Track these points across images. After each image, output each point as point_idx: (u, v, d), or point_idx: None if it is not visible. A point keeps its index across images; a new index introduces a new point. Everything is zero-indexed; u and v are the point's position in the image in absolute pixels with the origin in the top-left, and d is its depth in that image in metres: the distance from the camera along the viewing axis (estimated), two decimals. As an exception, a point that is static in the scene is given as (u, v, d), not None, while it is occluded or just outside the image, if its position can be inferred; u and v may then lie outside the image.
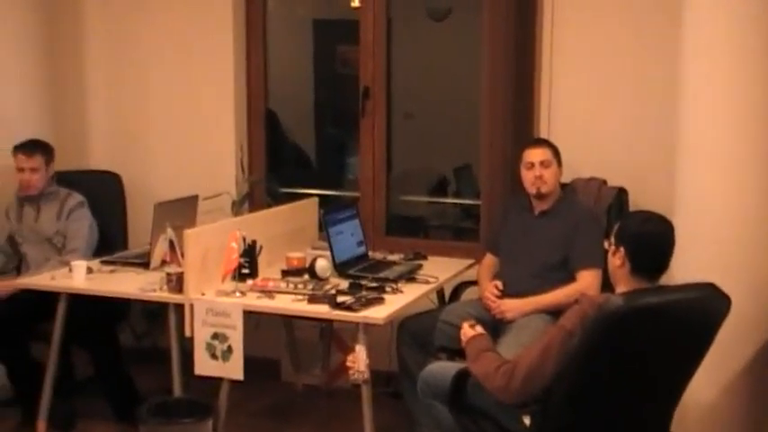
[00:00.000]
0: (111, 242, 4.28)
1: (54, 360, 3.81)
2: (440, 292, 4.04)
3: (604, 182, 3.96)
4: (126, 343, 4.58)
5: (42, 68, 4.59)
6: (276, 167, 5.06)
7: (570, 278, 3.57)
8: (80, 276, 3.76)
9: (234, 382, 3.51)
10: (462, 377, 2.89)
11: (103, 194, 4.41)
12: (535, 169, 3.66)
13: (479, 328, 3.00)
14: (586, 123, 4.12)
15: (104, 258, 4.03)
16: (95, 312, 3.90)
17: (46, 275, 3.84)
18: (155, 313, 4.50)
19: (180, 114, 4.76)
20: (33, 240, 4.18)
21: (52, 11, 4.63)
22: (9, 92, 4.50)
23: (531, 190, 3.70)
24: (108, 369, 4.15)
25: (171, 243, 3.64)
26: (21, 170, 4.13)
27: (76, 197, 4.20)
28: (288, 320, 4.30)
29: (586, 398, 2.54)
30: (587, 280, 3.52)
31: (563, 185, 3.82)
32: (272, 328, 4.29)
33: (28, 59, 4.54)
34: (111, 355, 4.17)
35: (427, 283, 3.76)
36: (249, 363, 3.38)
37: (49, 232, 4.15)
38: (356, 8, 4.58)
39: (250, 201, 4.69)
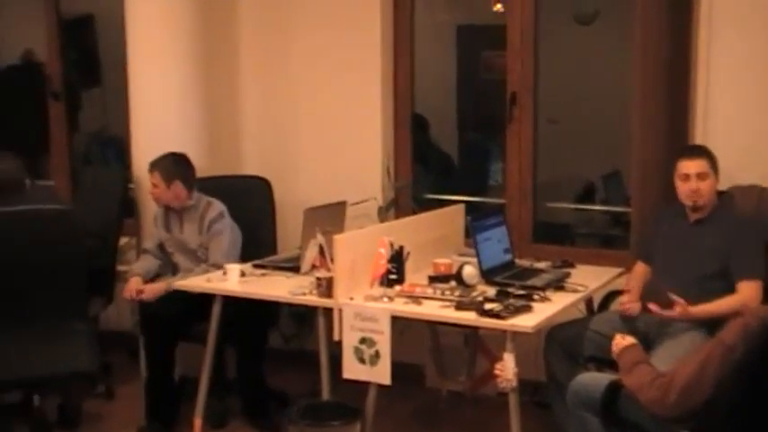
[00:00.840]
0: (261, 246, 4.39)
1: (209, 359, 3.95)
2: (588, 302, 3.96)
3: (765, 189, 3.79)
4: (274, 345, 4.71)
5: (200, 81, 4.74)
6: (421, 173, 5.09)
7: (728, 288, 3.44)
8: (234, 279, 3.88)
9: (380, 387, 3.54)
10: (615, 389, 2.83)
11: (254, 199, 4.53)
12: (691, 182, 3.54)
13: (632, 339, 2.92)
14: (744, 127, 3.95)
15: (256, 262, 4.14)
16: (248, 314, 4.02)
17: (201, 278, 3.99)
18: (303, 316, 4.60)
19: (328, 121, 4.84)
20: (181, 250, 4.33)
21: (209, 25, 4.78)
22: (169, 103, 4.68)
23: (687, 202, 3.59)
24: (247, 369, 4.25)
25: (321, 248, 3.71)
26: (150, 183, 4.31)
27: (216, 208, 4.27)
28: (433, 326, 4.30)
29: (748, 414, 2.43)
30: (749, 292, 3.38)
31: (720, 193, 3.68)
32: (416, 334, 4.30)
33: (187, 73, 4.69)
34: (254, 356, 4.27)
35: (576, 291, 3.69)
36: (394, 367, 3.40)
37: (193, 245, 4.29)
38: (499, 13, 4.55)
39: (396, 206, 4.73)
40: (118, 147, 6.38)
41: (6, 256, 3.46)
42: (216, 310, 3.90)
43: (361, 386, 3.56)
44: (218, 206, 4.28)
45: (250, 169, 4.96)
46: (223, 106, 4.95)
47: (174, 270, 4.37)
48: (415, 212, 4.55)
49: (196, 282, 3.96)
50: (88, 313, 3.77)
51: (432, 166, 5.65)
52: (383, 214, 4.63)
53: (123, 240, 4.83)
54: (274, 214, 4.55)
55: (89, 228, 4.07)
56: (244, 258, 4.21)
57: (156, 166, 4.22)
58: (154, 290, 4.15)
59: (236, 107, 5.03)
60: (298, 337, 4.83)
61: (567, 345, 3.59)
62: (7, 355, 3.56)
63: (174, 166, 4.23)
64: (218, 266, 4.08)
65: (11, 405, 4.14)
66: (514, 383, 3.23)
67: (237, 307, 3.89)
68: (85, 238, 3.79)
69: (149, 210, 4.63)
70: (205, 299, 3.89)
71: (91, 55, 6.60)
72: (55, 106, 5.63)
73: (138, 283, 4.19)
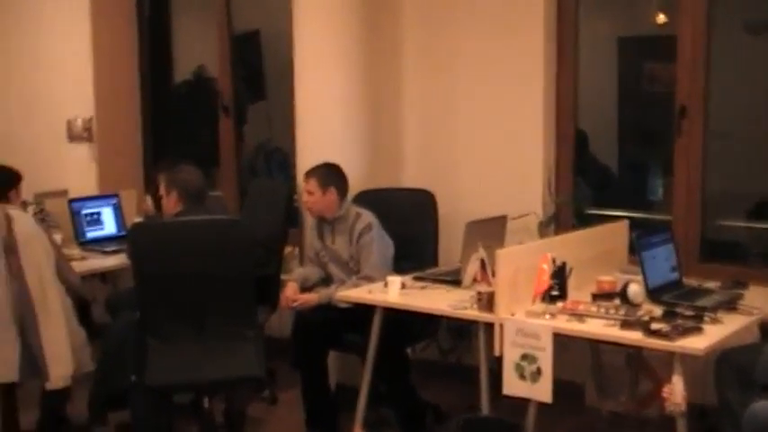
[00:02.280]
0: (422, 258, 4.40)
1: (369, 369, 3.99)
2: (763, 325, 3.76)
3: None
4: (430, 358, 4.71)
5: (363, 93, 4.81)
6: (579, 187, 4.98)
7: None
8: (395, 291, 3.91)
9: (540, 404, 3.47)
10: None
11: (417, 211, 4.54)
12: None
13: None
14: None
15: (417, 274, 4.15)
16: (407, 326, 4.04)
17: (363, 289, 4.03)
18: (461, 331, 4.58)
19: (489, 134, 4.81)
20: (335, 261, 4.38)
21: (372, 39, 4.85)
22: (333, 115, 4.79)
23: None
24: (400, 381, 4.26)
25: (482, 262, 3.68)
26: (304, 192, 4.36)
27: (364, 219, 4.28)
28: (594, 344, 4.19)
29: None
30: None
31: None
32: (577, 351, 4.20)
33: (351, 86, 4.77)
34: (404, 368, 4.28)
35: (750, 314, 3.52)
36: (554, 384, 3.33)
37: (345, 256, 4.33)
38: (662, 24, 4.41)
39: (556, 222, 4.65)
40: (282, 158, 6.57)
41: (188, 265, 3.62)
42: (377, 321, 3.94)
43: (518, 402, 3.50)
44: (366, 217, 4.30)
45: (410, 181, 4.99)
46: (385, 118, 5.00)
47: (329, 280, 4.44)
48: (575, 228, 4.45)
49: (357, 293, 4.00)
50: (257, 321, 3.87)
51: (589, 180, 5.51)
52: (543, 229, 4.56)
53: (287, 250, 4.95)
54: (437, 227, 4.55)
55: (256, 237, 4.19)
56: (405, 270, 4.21)
57: (312, 173, 4.32)
58: (306, 300, 4.22)
59: (399, 119, 5.07)
60: (455, 350, 4.82)
61: (741, 370, 3.42)
62: (182, 358, 3.72)
63: (330, 173, 4.32)
64: (369, 279, 4.13)
65: (181, 406, 4.34)
66: (683, 407, 3.11)
67: (394, 318, 3.91)
68: (255, 247, 3.90)
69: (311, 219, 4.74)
70: (357, 309, 3.93)
71: (257, 69, 6.81)
72: (225, 120, 5.83)
73: (293, 290, 4.26)
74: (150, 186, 5.85)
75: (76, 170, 5.97)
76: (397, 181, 4.98)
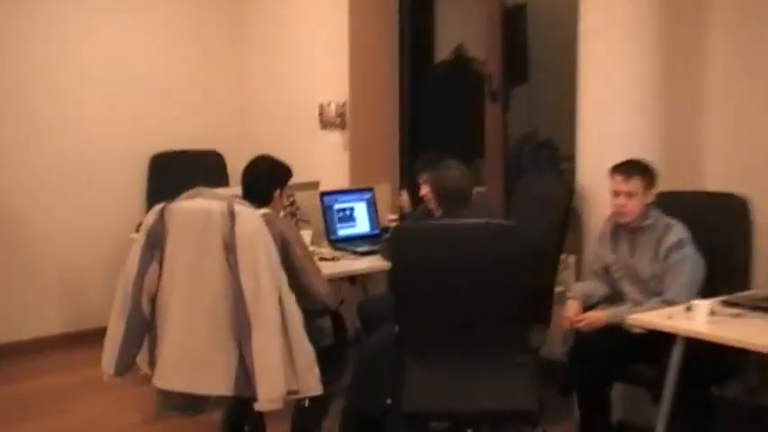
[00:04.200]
0: (730, 277, 3.83)
1: (666, 407, 3.53)
2: None
3: None
4: (734, 397, 4.15)
5: (659, 82, 4.32)
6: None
7: None
8: (701, 318, 3.40)
9: None
10: None
11: (725, 220, 3.98)
12: None
13: None
14: None
15: (726, 298, 3.60)
16: (711, 361, 3.53)
17: (660, 313, 3.54)
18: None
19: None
20: (630, 277, 3.92)
21: (673, 17, 4.32)
22: (623, 105, 4.35)
23: None
24: (699, 426, 3.76)
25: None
26: (615, 194, 3.89)
27: (676, 232, 3.80)
28: None
29: None
30: None
31: None
32: None
33: (645, 75, 4.31)
34: (701, 411, 3.77)
35: None
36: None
37: (645, 273, 3.85)
38: None
39: None
40: (551, 151, 6.17)
41: (456, 277, 3.33)
42: (677, 352, 3.47)
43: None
44: (679, 230, 3.81)
45: (712, 183, 4.42)
46: (684, 105, 4.45)
47: (617, 298, 4.00)
48: None
49: (653, 318, 3.53)
50: (531, 344, 3.51)
51: None
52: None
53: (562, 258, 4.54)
54: (751, 240, 3.94)
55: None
56: (709, 292, 3.69)
57: (635, 170, 3.87)
58: (593, 319, 3.81)
59: (699, 107, 4.50)
60: (763, 389, 4.21)
61: None
62: (445, 384, 3.45)
63: (649, 170, 3.87)
64: (673, 304, 3.63)
65: None
66: None
67: (695, 351, 3.42)
68: (531, 258, 3.54)
69: (595, 225, 4.32)
70: (651, 336, 3.51)
71: (521, 49, 6.43)
72: (491, 107, 5.50)
73: (575, 308, 3.88)
74: (405, 180, 5.69)
75: (327, 159, 5.87)
76: (695, 182, 4.42)
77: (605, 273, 4.00)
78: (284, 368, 3.36)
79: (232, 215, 3.37)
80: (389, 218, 5.20)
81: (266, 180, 3.88)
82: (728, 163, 4.43)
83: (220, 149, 6.22)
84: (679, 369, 3.47)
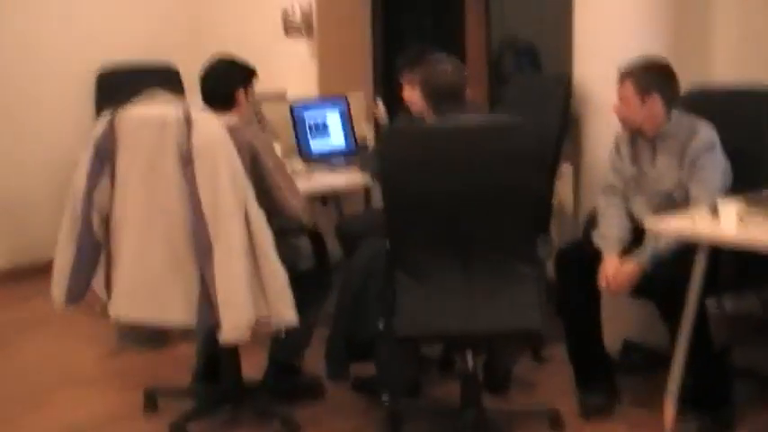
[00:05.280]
0: (753, 177, 3.47)
1: (688, 327, 3.21)
2: None
3: None
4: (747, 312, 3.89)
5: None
6: None
7: None
8: (730, 222, 3.07)
9: None
10: None
11: (745, 114, 3.63)
12: None
13: None
14: None
15: (751, 197, 3.26)
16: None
17: (684, 217, 3.20)
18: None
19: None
20: (645, 191, 3.55)
21: None
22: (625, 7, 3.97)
23: None
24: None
25: None
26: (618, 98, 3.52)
27: (703, 135, 3.42)
28: None
29: None
30: None
31: None
32: None
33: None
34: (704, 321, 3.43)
35: None
36: None
37: (668, 183, 3.48)
38: None
39: None
40: (533, 57, 5.83)
41: (455, 180, 3.00)
42: (701, 261, 3.15)
43: None
44: (706, 132, 3.42)
45: (720, 75, 4.09)
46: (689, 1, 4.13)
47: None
48: None
49: (676, 223, 3.19)
50: (537, 254, 3.16)
51: None
52: None
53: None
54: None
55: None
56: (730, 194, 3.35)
57: (628, 74, 3.46)
58: (625, 279, 3.36)
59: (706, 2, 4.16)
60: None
61: None
62: (442, 302, 3.12)
63: (653, 74, 3.45)
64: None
65: (428, 358, 3.79)
66: None
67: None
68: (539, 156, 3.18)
69: (595, 130, 4.02)
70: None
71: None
72: (473, 6, 5.11)
73: (616, 264, 3.39)
74: (379, 89, 5.31)
75: (293, 69, 5.46)
76: (704, 78, 4.08)
77: (627, 188, 3.60)
78: (251, 293, 3.03)
79: (188, 122, 3.00)
80: (365, 128, 4.82)
81: (226, 80, 3.52)
82: (729, 55, 4.12)
83: (174, 63, 5.75)
84: (703, 280, 3.17)
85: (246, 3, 5.74)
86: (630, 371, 3.81)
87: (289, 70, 5.41)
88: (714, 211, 3.12)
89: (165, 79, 5.67)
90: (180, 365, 3.90)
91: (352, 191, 4.77)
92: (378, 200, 5.02)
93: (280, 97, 4.78)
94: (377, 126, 4.80)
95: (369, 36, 5.54)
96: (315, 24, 5.37)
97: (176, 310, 3.08)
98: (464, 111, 3.40)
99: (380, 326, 3.22)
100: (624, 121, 3.54)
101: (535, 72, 5.60)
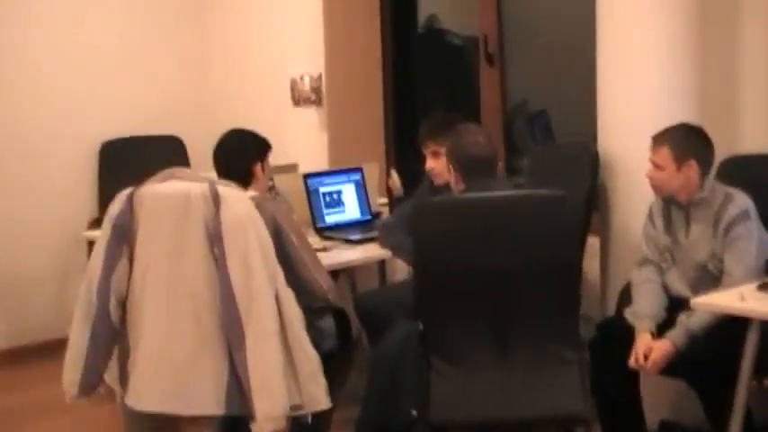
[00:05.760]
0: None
1: (742, 399, 3.06)
2: None
3: None
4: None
5: (691, 38, 3.89)
6: None
7: None
8: (781, 296, 2.93)
9: None
10: None
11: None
12: None
13: None
14: None
15: (798, 274, 3.15)
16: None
17: (731, 294, 3.06)
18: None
19: None
20: (679, 264, 3.42)
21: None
22: (649, 63, 3.89)
23: None
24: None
25: None
26: (651, 163, 3.41)
27: (738, 204, 3.30)
28: None
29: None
30: None
31: None
32: None
33: (675, 15, 3.84)
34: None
35: None
36: None
37: (703, 254, 3.34)
38: None
39: None
40: (545, 124, 5.73)
41: (490, 258, 2.85)
42: (752, 338, 3.00)
43: None
44: (742, 200, 3.31)
45: (748, 146, 3.99)
46: (717, 70, 4.03)
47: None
48: None
49: (722, 299, 3.04)
50: (580, 338, 3.01)
51: None
52: None
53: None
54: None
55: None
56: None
57: (665, 139, 3.35)
58: (660, 358, 3.18)
59: (734, 71, 4.07)
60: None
61: None
62: (480, 388, 2.98)
63: (690, 139, 3.36)
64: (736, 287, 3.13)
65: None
66: None
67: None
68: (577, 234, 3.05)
69: (622, 201, 3.89)
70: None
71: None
72: (488, 71, 5.05)
73: (648, 341, 3.22)
74: (392, 160, 5.20)
75: (302, 140, 5.34)
76: (730, 148, 3.98)
77: (662, 259, 3.47)
78: (285, 380, 2.87)
79: (216, 198, 2.86)
80: (379, 202, 4.69)
81: (242, 154, 3.41)
82: (757, 125, 4.02)
83: (180, 134, 5.64)
84: (753, 358, 3.02)
85: (253, 70, 5.65)
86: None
87: (298, 142, 5.29)
88: (763, 286, 3.00)
89: (170, 150, 5.59)
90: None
91: (368, 265, 4.63)
92: (395, 273, 4.89)
93: (292, 169, 4.66)
94: (391, 198, 4.68)
95: (380, 106, 5.43)
96: (324, 94, 5.26)
97: (204, 400, 2.90)
98: (498, 183, 3.28)
99: (414, 413, 3.04)
100: (658, 189, 3.42)
101: (548, 140, 5.49)
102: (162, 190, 2.95)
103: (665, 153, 3.32)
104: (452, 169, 3.29)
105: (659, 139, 3.37)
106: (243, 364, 2.82)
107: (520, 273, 2.88)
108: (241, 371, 2.82)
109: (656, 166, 3.36)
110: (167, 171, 3.04)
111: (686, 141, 3.35)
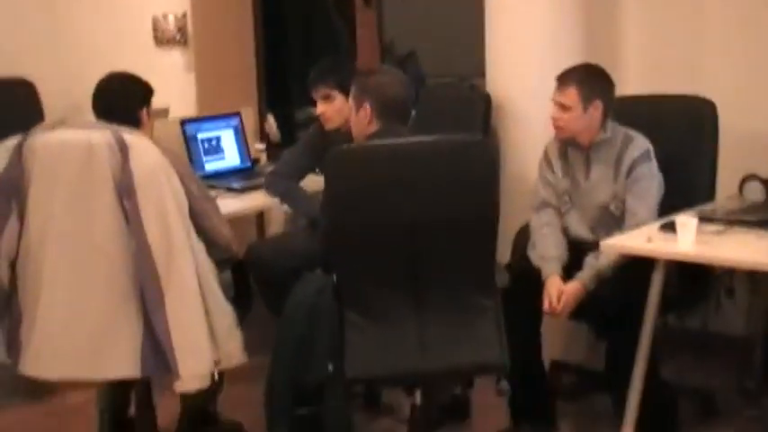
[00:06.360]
0: (691, 190, 3.46)
1: (646, 349, 3.12)
2: None
3: None
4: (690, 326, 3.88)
5: None
6: None
7: None
8: (688, 238, 2.99)
9: None
10: None
11: (686, 128, 3.56)
12: None
13: None
14: None
15: (701, 212, 3.21)
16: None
17: (637, 235, 3.11)
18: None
19: (738, 38, 3.90)
20: (583, 206, 3.44)
21: None
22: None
23: None
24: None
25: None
26: (553, 104, 3.39)
27: (639, 145, 3.34)
28: None
29: None
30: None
31: None
32: None
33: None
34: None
35: None
36: None
37: (604, 196, 3.38)
38: None
39: None
40: (416, 66, 5.69)
41: (408, 207, 2.77)
42: (657, 279, 3.07)
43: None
44: (641, 142, 3.36)
45: (633, 88, 4.04)
46: (602, 8, 4.10)
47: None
48: None
49: (633, 242, 3.08)
50: (496, 285, 2.98)
51: None
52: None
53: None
54: (716, 148, 3.56)
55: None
56: (672, 208, 3.26)
57: (572, 80, 3.32)
58: (572, 300, 3.24)
59: (618, 11, 4.14)
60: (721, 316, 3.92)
61: None
62: (396, 340, 2.90)
63: (596, 79, 3.36)
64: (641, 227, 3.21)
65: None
66: None
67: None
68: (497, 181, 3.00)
69: (514, 142, 3.89)
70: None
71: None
72: (364, 13, 4.97)
73: (558, 285, 3.26)
74: (265, 105, 5.04)
75: (167, 84, 5.00)
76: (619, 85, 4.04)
77: (561, 202, 3.47)
78: (208, 337, 2.76)
79: (123, 147, 2.65)
80: (257, 147, 4.54)
81: (126, 99, 3.21)
82: (645, 64, 4.10)
83: (30, 77, 5.24)
84: (659, 299, 3.08)
85: (112, 9, 5.32)
86: (563, 394, 3.71)
87: (164, 86, 5.00)
88: (665, 227, 3.06)
89: (20, 95, 5.21)
90: (69, 420, 3.57)
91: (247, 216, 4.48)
92: (277, 223, 4.75)
93: (163, 114, 4.43)
94: (269, 144, 4.53)
95: (252, 47, 5.24)
96: (190, 33, 5.03)
97: (119, 363, 2.74)
98: (405, 132, 3.18)
99: (330, 367, 2.96)
100: (562, 130, 3.40)
101: (420, 83, 5.44)
102: (58, 140, 2.71)
103: (573, 93, 3.30)
104: (367, 108, 3.14)
105: (565, 79, 3.34)
106: (162, 322, 2.67)
107: (438, 222, 2.79)
108: (160, 330, 2.67)
109: (562, 107, 3.33)
110: (56, 119, 2.81)
111: (593, 81, 3.34)
